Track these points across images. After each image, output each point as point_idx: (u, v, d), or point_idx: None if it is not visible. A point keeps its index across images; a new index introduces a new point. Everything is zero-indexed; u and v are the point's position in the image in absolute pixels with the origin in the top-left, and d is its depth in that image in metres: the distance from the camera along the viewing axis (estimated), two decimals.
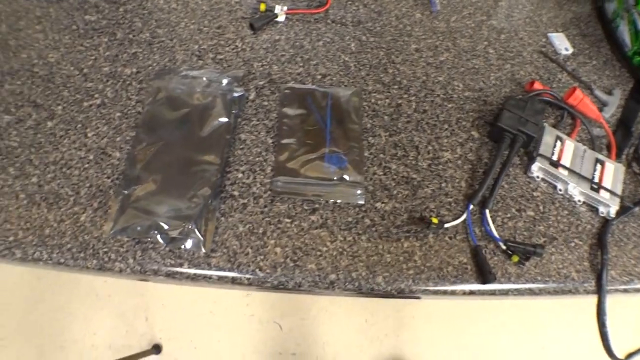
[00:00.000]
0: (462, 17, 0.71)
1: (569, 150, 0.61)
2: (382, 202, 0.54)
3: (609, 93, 0.69)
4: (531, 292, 0.54)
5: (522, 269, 0.54)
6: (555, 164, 0.59)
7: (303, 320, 1.11)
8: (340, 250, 0.52)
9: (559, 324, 1.21)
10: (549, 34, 0.72)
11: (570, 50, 0.71)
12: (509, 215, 0.56)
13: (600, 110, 0.67)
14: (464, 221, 0.54)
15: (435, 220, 0.52)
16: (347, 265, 0.51)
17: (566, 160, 0.60)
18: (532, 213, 0.57)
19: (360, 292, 0.51)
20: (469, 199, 0.55)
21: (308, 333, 1.09)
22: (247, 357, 1.06)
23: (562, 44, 0.71)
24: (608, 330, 0.57)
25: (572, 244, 0.57)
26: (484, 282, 0.52)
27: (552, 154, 0.59)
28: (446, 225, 0.53)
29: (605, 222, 0.59)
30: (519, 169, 0.59)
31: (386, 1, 0.68)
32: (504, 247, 0.54)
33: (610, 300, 0.61)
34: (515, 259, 0.53)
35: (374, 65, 0.62)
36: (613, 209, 0.59)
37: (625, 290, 0.58)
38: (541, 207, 0.58)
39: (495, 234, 0.54)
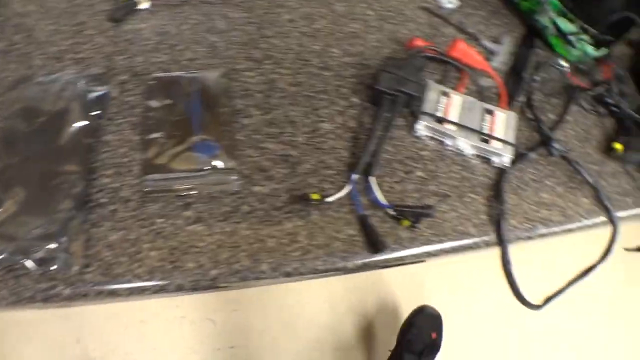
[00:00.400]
0: None
1: (455, 104, 0.59)
2: (260, 185, 0.51)
3: (498, 42, 0.67)
4: (428, 255, 0.52)
5: (416, 232, 0.52)
6: (441, 120, 0.57)
7: (235, 312, 1.10)
8: (219, 243, 0.48)
9: (470, 281, 1.23)
10: None
11: (455, 4, 0.69)
12: (396, 179, 0.54)
13: (489, 59, 0.65)
14: (348, 192, 0.52)
15: (315, 197, 0.50)
16: (228, 257, 0.48)
17: (453, 115, 0.58)
18: (421, 173, 0.55)
19: (246, 281, 0.49)
20: (352, 168, 0.52)
21: (243, 324, 1.08)
22: (185, 358, 1.03)
23: None
24: (516, 280, 0.56)
25: (467, 199, 0.55)
26: (375, 252, 0.50)
27: (437, 110, 0.57)
28: (328, 200, 0.50)
29: (501, 171, 0.58)
30: (405, 130, 0.57)
31: None
32: (393, 213, 0.52)
33: (517, 248, 0.60)
34: (406, 223, 0.51)
35: (244, 42, 0.58)
36: (507, 158, 0.57)
37: (529, 237, 0.57)
38: (431, 166, 0.56)
39: (383, 200, 0.51)
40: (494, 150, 0.57)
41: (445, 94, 0.59)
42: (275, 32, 0.60)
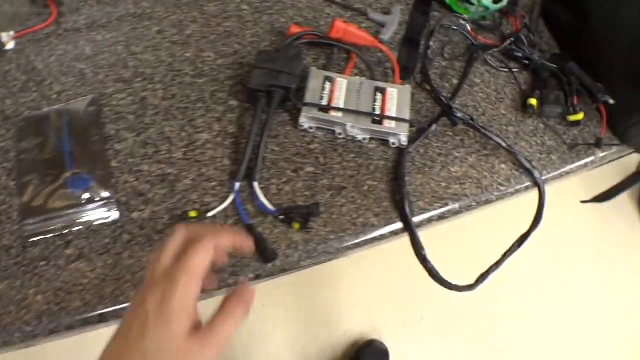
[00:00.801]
0: None
1: (341, 88, 0.56)
2: (139, 211, 0.50)
3: (387, 13, 0.64)
4: (327, 254, 0.51)
5: (311, 233, 0.50)
6: (326, 109, 0.54)
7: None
8: (103, 277, 0.47)
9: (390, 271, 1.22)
10: None
11: None
12: (284, 179, 0.52)
13: (379, 33, 0.62)
14: (232, 202, 0.50)
15: (192, 214, 0.48)
16: (112, 291, 0.47)
17: (339, 101, 0.55)
18: (311, 169, 0.53)
19: None
20: (234, 176, 0.51)
21: None
22: None
23: None
24: (433, 264, 0.53)
25: (365, 188, 0.53)
26: (266, 262, 0.48)
27: (322, 98, 0.55)
28: (209, 215, 0.49)
29: (400, 152, 0.55)
30: (291, 126, 0.55)
31: None
32: (281, 217, 0.50)
33: (432, 231, 0.58)
34: (296, 226, 0.49)
35: (112, 64, 0.57)
36: (403, 137, 0.55)
37: (443, 217, 0.55)
38: (322, 159, 0.54)
39: (269, 205, 0.50)
40: (388, 131, 0.54)
41: (329, 79, 0.56)
42: (144, 47, 0.58)
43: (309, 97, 0.55)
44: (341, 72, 0.58)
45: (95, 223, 0.49)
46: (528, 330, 1.24)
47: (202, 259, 0.32)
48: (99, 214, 0.50)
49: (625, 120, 0.62)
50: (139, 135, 0.53)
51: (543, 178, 0.58)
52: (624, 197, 1.27)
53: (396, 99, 0.56)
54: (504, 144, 0.57)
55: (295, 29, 0.58)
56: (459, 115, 0.57)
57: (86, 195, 0.50)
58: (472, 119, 0.57)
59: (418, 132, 0.57)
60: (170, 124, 0.53)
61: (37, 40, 0.59)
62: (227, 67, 0.57)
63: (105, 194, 0.50)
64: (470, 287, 0.55)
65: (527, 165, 0.57)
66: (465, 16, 0.65)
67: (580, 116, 0.61)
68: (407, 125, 0.55)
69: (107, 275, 0.47)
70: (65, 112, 0.54)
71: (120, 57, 0.57)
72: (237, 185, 0.50)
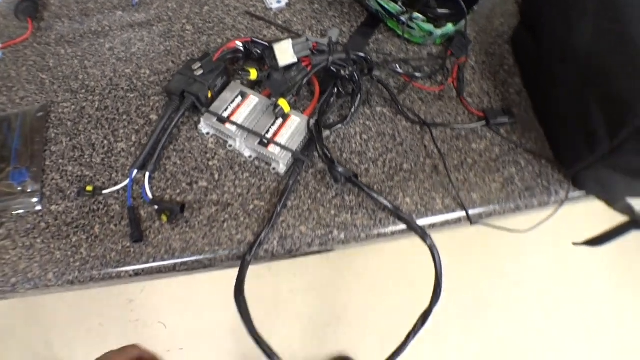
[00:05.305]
0: (166, 0, 0.82)
1: (249, 105, 0.67)
2: (57, 204, 0.68)
3: (323, 35, 0.75)
4: (200, 263, 0.64)
5: (188, 242, 0.63)
6: (223, 120, 0.66)
7: (186, 313, 1.33)
8: (20, 255, 0.66)
9: None
10: None
11: (285, 2, 0.79)
12: (178, 191, 0.66)
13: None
14: (125, 186, 0.65)
15: (89, 188, 0.65)
16: (24, 267, 0.65)
17: (240, 116, 0.66)
18: (205, 184, 0.66)
19: (37, 288, 0.66)
20: (132, 165, 0.66)
21: (192, 326, 1.29)
22: None
23: None
24: None
25: (251, 207, 0.65)
26: (133, 241, 0.62)
27: (226, 109, 0.66)
28: (105, 192, 0.65)
29: (290, 175, 0.66)
30: (197, 141, 0.69)
31: (90, 8, 0.83)
32: (156, 207, 0.63)
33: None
34: (164, 218, 0.62)
35: (66, 76, 0.76)
36: (282, 165, 0.64)
37: (323, 244, 0.65)
38: (217, 176, 0.67)
39: (149, 193, 0.63)
40: (270, 155, 0.64)
41: (243, 94, 0.68)
42: (94, 62, 0.76)
43: (215, 106, 0.67)
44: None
45: (22, 211, 0.69)
46: None
47: None
48: (27, 204, 0.69)
49: (574, 162, 0.66)
50: (71, 140, 0.71)
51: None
52: None
53: (294, 129, 0.67)
54: (389, 206, 0.64)
55: (233, 44, 0.72)
56: (340, 170, 0.63)
57: (21, 187, 0.69)
58: (355, 176, 0.64)
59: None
60: (97, 132, 0.71)
61: (17, 50, 0.81)
62: (157, 84, 0.73)
63: (36, 187, 0.69)
64: None
65: (419, 231, 0.62)
66: (415, 41, 0.73)
67: None
68: (289, 154, 0.64)
69: (23, 254, 0.65)
70: (21, 115, 0.74)
71: (74, 70, 0.76)
72: (134, 172, 0.65)
